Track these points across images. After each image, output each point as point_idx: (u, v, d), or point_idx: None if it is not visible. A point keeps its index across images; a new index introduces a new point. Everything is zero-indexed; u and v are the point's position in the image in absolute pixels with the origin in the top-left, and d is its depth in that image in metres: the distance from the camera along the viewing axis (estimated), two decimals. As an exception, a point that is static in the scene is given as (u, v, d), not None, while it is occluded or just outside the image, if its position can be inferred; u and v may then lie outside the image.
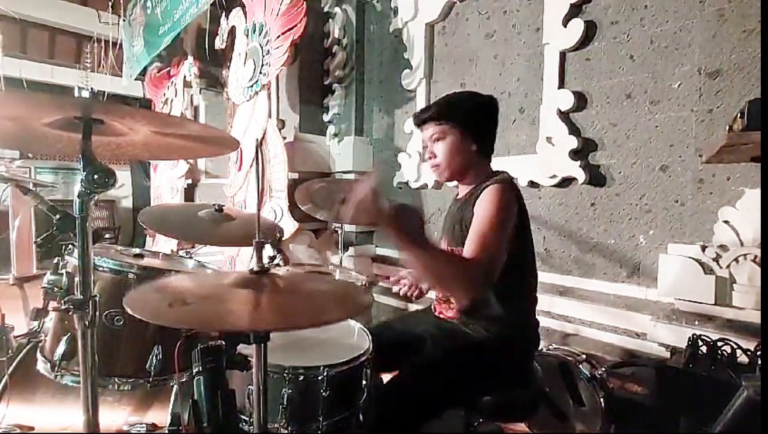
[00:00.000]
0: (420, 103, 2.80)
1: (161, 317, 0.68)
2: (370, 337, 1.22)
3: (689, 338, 1.50)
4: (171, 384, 1.27)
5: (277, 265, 1.41)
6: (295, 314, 0.77)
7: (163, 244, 3.64)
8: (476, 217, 1.11)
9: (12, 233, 4.06)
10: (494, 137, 1.31)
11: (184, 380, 1.22)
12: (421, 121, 1.28)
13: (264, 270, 0.83)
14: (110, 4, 4.85)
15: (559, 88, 2.10)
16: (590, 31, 2.01)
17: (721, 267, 1.61)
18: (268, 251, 1.27)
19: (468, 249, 1.05)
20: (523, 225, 1.17)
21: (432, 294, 1.46)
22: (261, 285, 0.81)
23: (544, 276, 2.13)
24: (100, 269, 1.19)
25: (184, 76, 4.22)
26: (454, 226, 1.27)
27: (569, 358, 1.63)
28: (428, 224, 2.76)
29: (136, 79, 4.92)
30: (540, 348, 1.71)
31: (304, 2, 2.44)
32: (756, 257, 1.53)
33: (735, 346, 1.40)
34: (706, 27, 1.71)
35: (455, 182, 1.35)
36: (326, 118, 3.38)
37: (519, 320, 1.24)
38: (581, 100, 2.05)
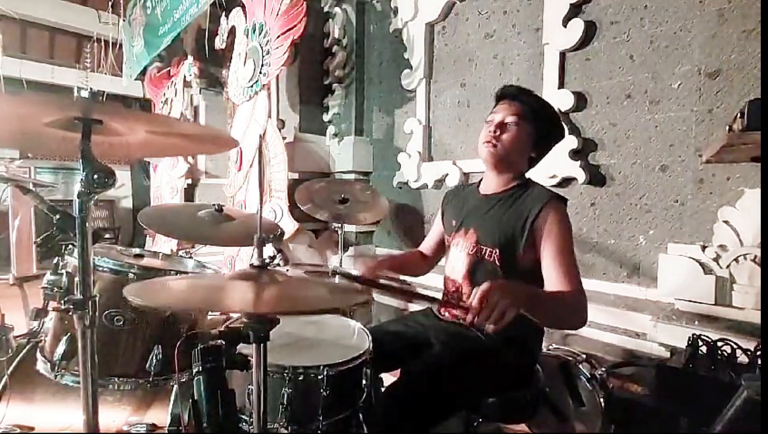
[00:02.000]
0: (420, 103, 2.80)
1: (160, 300, 0.68)
2: (369, 337, 1.22)
3: (689, 338, 1.50)
4: (171, 384, 1.28)
5: (277, 265, 1.41)
6: (295, 299, 0.77)
7: (163, 244, 3.64)
8: (554, 245, 1.12)
9: (12, 233, 4.06)
10: (546, 153, 1.30)
11: (184, 380, 1.23)
12: (511, 94, 1.24)
13: (264, 265, 0.83)
14: (110, 4, 4.85)
15: (559, 88, 2.10)
16: (590, 31, 2.01)
17: (721, 267, 1.61)
18: (268, 250, 1.27)
19: (565, 282, 1.08)
20: None
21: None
22: (261, 279, 0.81)
23: (544, 276, 2.13)
24: (100, 269, 1.19)
25: (184, 76, 4.22)
26: (490, 224, 1.24)
27: (569, 358, 1.63)
28: (427, 225, 2.76)
29: (136, 79, 4.92)
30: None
31: (304, 2, 2.44)
32: (756, 257, 1.53)
33: (735, 346, 1.40)
34: (706, 27, 1.71)
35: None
36: (326, 118, 3.38)
37: (524, 321, 1.24)
38: (581, 100, 2.05)
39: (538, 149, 1.26)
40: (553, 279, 1.11)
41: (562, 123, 1.31)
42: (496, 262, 1.20)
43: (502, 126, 1.22)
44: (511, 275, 1.18)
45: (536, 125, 1.22)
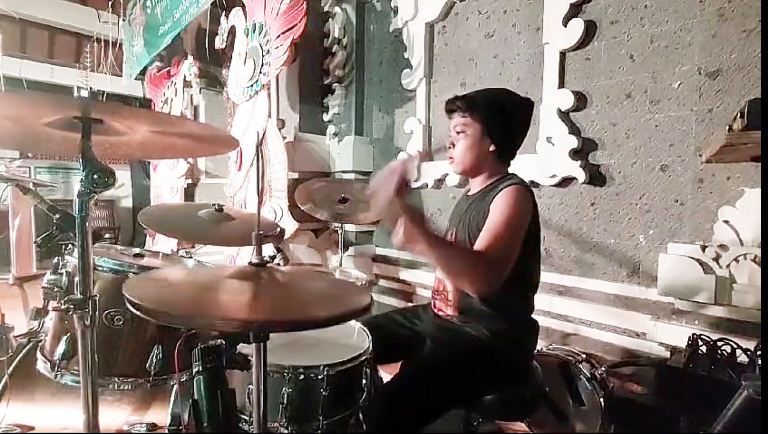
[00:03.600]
0: (420, 103, 2.80)
1: (157, 304, 0.67)
2: (369, 337, 1.22)
3: (689, 337, 1.50)
4: (171, 383, 1.27)
5: (277, 265, 1.41)
6: (293, 307, 0.77)
7: (163, 244, 3.64)
8: (491, 216, 1.13)
9: (12, 233, 4.06)
10: (517, 141, 1.29)
11: (184, 380, 1.22)
12: (449, 109, 1.29)
13: (263, 263, 0.83)
14: (110, 3, 4.85)
15: (559, 87, 2.10)
16: (590, 31, 2.01)
17: (721, 267, 1.61)
18: (268, 250, 1.27)
19: (479, 244, 1.09)
20: (534, 229, 1.18)
21: (425, 292, 1.46)
22: (259, 278, 0.81)
23: (544, 276, 2.10)
24: (100, 269, 1.18)
25: (184, 76, 4.22)
26: (465, 223, 1.26)
27: (569, 358, 1.63)
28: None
29: (136, 79, 4.92)
30: (540, 348, 1.71)
31: (304, 2, 2.44)
32: (756, 256, 1.53)
33: (735, 346, 1.40)
34: (706, 27, 1.71)
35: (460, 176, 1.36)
36: (326, 118, 3.38)
37: (517, 319, 1.24)
38: (581, 100, 2.05)
39: (498, 142, 1.24)
40: (478, 240, 1.11)
41: (519, 100, 1.27)
42: None
43: (454, 137, 1.27)
44: None
45: (484, 123, 1.23)
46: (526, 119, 1.29)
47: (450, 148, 1.29)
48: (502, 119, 1.24)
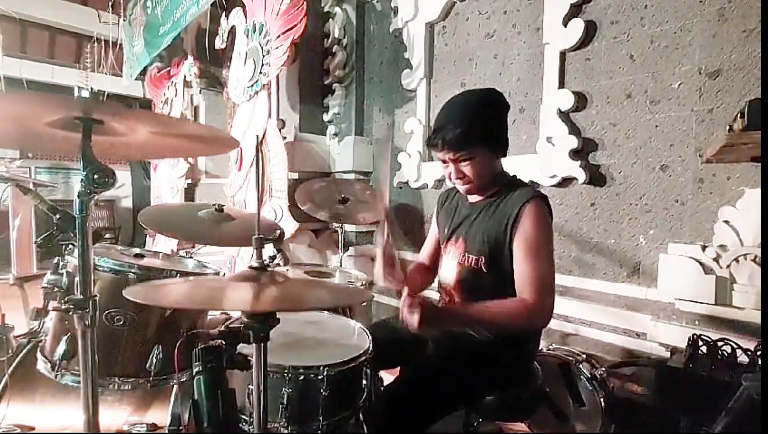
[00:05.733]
0: (420, 103, 2.80)
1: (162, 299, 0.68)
2: (370, 337, 1.22)
3: (689, 338, 1.50)
4: (171, 383, 1.28)
5: (277, 265, 1.41)
6: (295, 297, 0.77)
7: (163, 244, 3.64)
8: (524, 247, 1.13)
9: (12, 233, 4.06)
10: (507, 135, 1.26)
11: (184, 380, 1.23)
12: (450, 147, 1.17)
13: (263, 267, 0.83)
14: (110, 4, 4.86)
15: (559, 88, 2.10)
16: (590, 31, 2.01)
17: (721, 267, 1.61)
18: (268, 250, 1.27)
19: (526, 290, 1.11)
20: None
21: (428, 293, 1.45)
22: (260, 280, 0.81)
23: (544, 276, 2.13)
24: (100, 269, 1.19)
25: (185, 76, 4.22)
26: (476, 232, 1.23)
27: (569, 358, 1.63)
28: (427, 224, 2.76)
29: (136, 79, 4.92)
30: (540, 348, 1.71)
31: (305, 2, 2.44)
32: (756, 257, 1.53)
33: (735, 346, 1.40)
34: (706, 27, 1.71)
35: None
36: (326, 118, 3.38)
37: None
38: (581, 100, 2.05)
39: (500, 150, 1.25)
40: (517, 280, 1.13)
41: (499, 103, 1.23)
42: (484, 269, 1.20)
43: (458, 168, 1.20)
44: (500, 282, 1.18)
45: (485, 142, 1.18)
46: (505, 113, 1.26)
47: (459, 178, 1.21)
48: (495, 128, 1.22)
